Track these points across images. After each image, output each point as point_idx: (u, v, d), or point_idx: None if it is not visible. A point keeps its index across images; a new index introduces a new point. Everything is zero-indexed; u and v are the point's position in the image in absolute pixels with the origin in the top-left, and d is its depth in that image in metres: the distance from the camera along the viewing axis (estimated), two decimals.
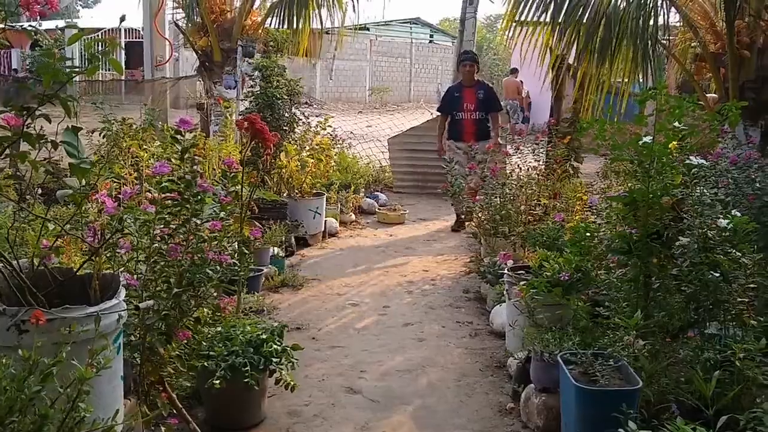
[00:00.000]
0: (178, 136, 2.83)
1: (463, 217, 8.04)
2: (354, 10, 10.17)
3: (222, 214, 3.00)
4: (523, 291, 3.91)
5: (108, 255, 2.55)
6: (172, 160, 2.93)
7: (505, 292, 4.40)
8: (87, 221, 2.67)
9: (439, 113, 8.62)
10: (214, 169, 6.20)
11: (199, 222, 2.81)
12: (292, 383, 3.33)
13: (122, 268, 2.66)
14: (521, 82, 19.48)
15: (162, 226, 2.79)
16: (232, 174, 3.45)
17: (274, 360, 3.33)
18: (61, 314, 1.94)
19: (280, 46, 9.72)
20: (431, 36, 36.25)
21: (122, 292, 2.23)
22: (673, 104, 3.51)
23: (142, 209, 2.74)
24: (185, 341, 2.94)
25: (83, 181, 2.43)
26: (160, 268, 2.78)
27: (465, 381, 4.01)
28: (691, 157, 3.61)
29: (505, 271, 4.40)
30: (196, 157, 2.94)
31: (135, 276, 2.69)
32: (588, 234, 4.02)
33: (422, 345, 4.56)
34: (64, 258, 3.00)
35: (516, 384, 3.74)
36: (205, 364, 3.18)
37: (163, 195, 2.69)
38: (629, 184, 3.93)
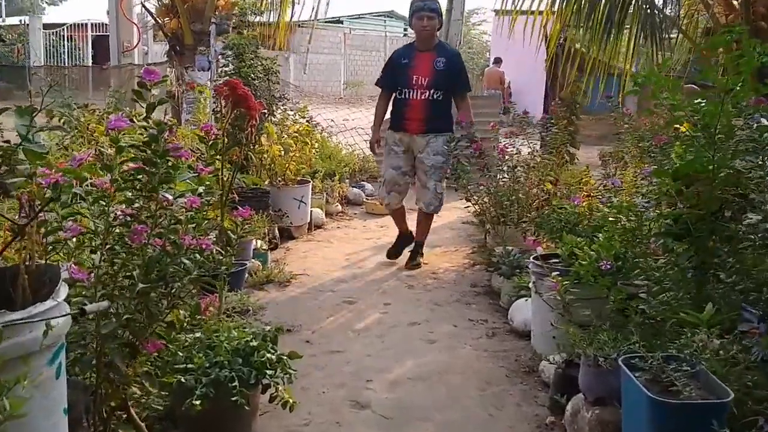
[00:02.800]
0: (143, 90, 2.17)
1: (414, 240, 5.73)
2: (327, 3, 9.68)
3: (201, 189, 2.34)
4: (560, 283, 3.31)
5: (45, 240, 1.89)
6: (135, 120, 2.26)
7: (531, 285, 3.79)
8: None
9: (379, 89, 5.83)
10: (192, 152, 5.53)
11: (170, 196, 2.14)
12: (291, 401, 2.69)
13: (66, 260, 2.00)
14: (503, 72, 18.97)
15: (119, 202, 2.12)
16: (211, 141, 2.80)
17: (268, 372, 2.69)
18: None
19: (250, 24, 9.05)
20: (405, 29, 35.62)
21: (63, 291, 1.58)
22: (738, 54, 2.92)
23: (95, 183, 2.08)
24: (156, 353, 2.27)
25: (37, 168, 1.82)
26: (120, 258, 2.11)
27: (491, 390, 3.40)
28: (763, 119, 3.02)
29: (532, 260, 3.78)
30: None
31: (86, 269, 2.02)
32: (633, 216, 3.43)
33: (434, 347, 3.94)
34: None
35: (556, 393, 3.12)
36: (182, 379, 2.53)
37: (122, 159, 2.03)
38: (679, 156, 3.32)
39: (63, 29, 24.03)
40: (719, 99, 2.90)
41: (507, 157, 5.75)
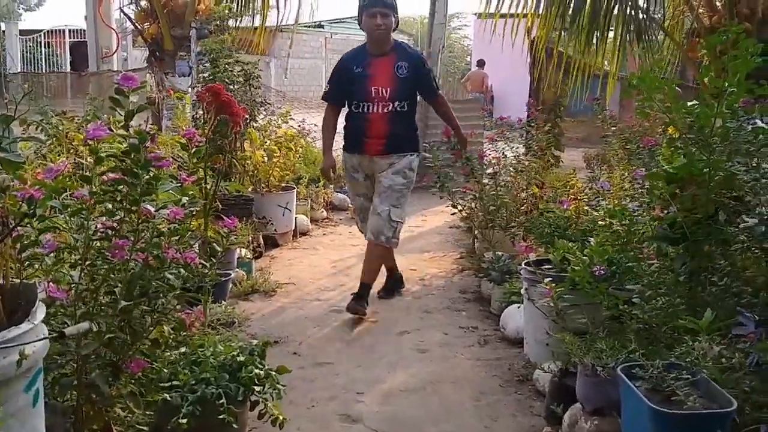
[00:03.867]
0: (120, 97, 2.07)
1: (397, 277, 5.06)
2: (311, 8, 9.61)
3: (184, 200, 2.24)
4: (554, 290, 3.24)
5: (20, 257, 1.79)
6: (114, 129, 2.16)
7: (523, 291, 3.72)
8: None
9: (326, 103, 4.78)
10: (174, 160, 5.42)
11: (152, 208, 2.04)
12: (281, 418, 2.59)
13: (43, 277, 1.89)
14: (486, 74, 18.96)
15: (99, 215, 2.02)
16: (194, 149, 2.70)
17: (256, 389, 2.60)
18: None
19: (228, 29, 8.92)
20: None
21: (40, 312, 1.48)
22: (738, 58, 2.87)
23: (74, 195, 1.98)
24: (140, 372, 2.17)
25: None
26: (100, 274, 2.01)
27: (485, 400, 3.32)
28: (758, 121, 2.97)
29: (524, 266, 3.71)
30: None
31: (66, 286, 1.92)
32: (626, 220, 3.38)
33: (425, 357, 3.86)
34: None
35: (552, 403, 3.05)
36: (167, 397, 2.43)
37: (101, 171, 1.93)
38: (674, 158, 3.26)
39: (40, 35, 23.72)
40: (712, 101, 2.86)
41: (490, 161, 5.68)
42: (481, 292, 4.87)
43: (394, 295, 4.91)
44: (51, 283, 1.85)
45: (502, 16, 7.56)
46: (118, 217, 2.04)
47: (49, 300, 1.77)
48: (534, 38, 8.19)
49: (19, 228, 1.69)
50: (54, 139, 5.70)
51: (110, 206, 2.02)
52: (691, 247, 3.04)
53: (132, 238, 2.02)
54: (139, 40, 12.28)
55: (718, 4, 6.84)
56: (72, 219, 1.98)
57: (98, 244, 2.03)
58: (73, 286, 1.96)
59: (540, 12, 7.26)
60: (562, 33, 7.47)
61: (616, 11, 7.01)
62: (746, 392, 2.54)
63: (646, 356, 2.61)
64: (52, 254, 1.98)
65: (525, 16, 7.49)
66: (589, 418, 2.76)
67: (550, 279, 3.39)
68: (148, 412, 2.27)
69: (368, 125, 4.47)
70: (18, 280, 1.69)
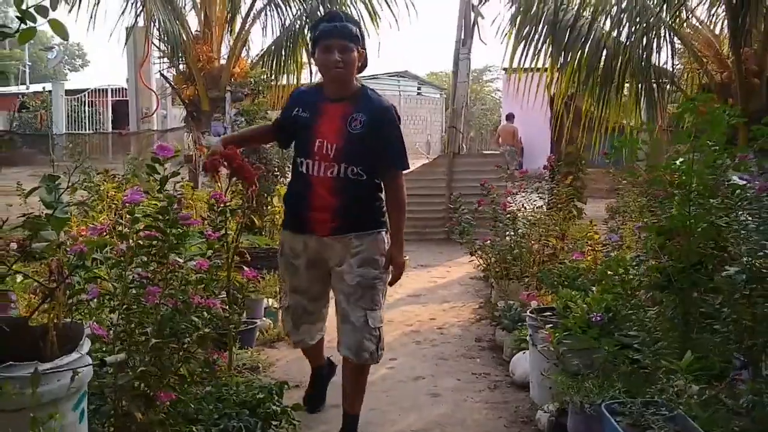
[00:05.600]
0: (156, 165, 2.43)
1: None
2: None
3: (209, 253, 2.57)
4: (552, 335, 3.49)
5: (70, 302, 2.13)
6: (150, 193, 2.52)
7: (528, 338, 3.97)
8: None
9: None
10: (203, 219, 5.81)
11: (181, 260, 2.38)
12: None
13: (88, 318, 2.22)
14: (516, 128, 19.30)
15: (135, 266, 2.36)
16: (220, 208, 3.04)
17: (273, 423, 2.88)
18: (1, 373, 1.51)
19: (263, 91, 9.41)
20: (419, 88, 36.35)
21: (86, 345, 1.80)
22: (707, 118, 3.15)
23: (114, 249, 2.33)
24: (168, 403, 2.48)
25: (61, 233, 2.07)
26: (135, 316, 2.34)
27: None
28: (734, 177, 3.23)
29: (528, 314, 3.96)
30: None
31: (105, 327, 2.25)
32: (621, 269, 3.62)
33: (438, 401, 4.09)
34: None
35: None
36: (193, 429, 2.72)
37: (138, 230, 2.27)
38: (663, 212, 3.53)
39: (84, 95, 24.78)
40: (691, 159, 3.13)
41: (509, 213, 5.95)
42: (495, 340, 5.09)
43: (325, 396, 3.91)
44: (94, 323, 2.18)
45: (526, 70, 7.94)
46: (151, 268, 2.38)
47: (92, 336, 2.09)
48: (553, 94, 8.55)
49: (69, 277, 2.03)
50: (96, 195, 6.17)
51: (144, 259, 2.36)
52: (679, 294, 3.28)
53: (162, 286, 2.35)
54: (177, 98, 12.87)
55: (728, 61, 7.11)
56: (112, 270, 2.32)
57: (134, 291, 2.36)
58: (112, 326, 2.29)
59: (557, 68, 7.64)
60: (579, 89, 7.81)
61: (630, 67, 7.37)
62: (734, 431, 2.75)
63: (628, 394, 2.85)
64: (95, 300, 2.33)
65: (546, 70, 7.85)
66: None
67: (551, 325, 3.65)
68: None
69: (310, 192, 3.21)
70: (68, 320, 2.02)
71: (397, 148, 3.29)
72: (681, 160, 3.28)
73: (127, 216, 2.39)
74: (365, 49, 3.31)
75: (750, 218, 3.24)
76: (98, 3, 8.98)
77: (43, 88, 25.43)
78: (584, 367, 3.37)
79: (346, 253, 3.24)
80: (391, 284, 3.34)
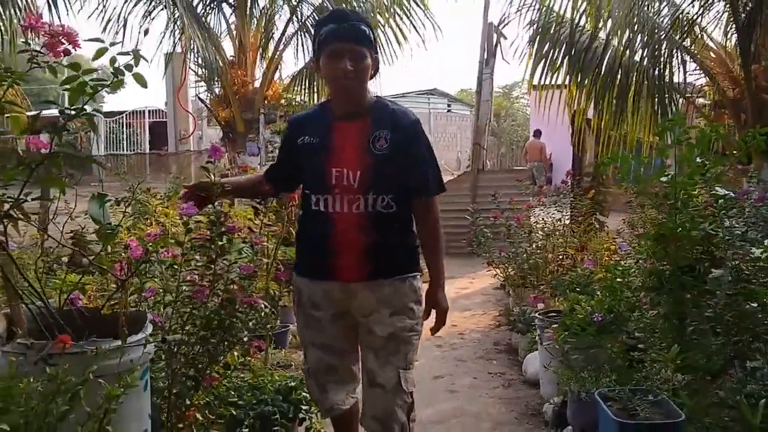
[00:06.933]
0: (209, 165, 2.81)
1: None
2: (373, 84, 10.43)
3: (255, 258, 2.99)
4: (557, 333, 3.83)
5: (134, 297, 2.54)
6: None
7: (537, 338, 4.31)
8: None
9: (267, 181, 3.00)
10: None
11: (226, 262, 2.80)
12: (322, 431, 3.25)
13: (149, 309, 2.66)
14: (544, 144, 19.58)
15: (189, 267, 2.79)
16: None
17: (304, 408, 3.27)
18: (88, 346, 1.92)
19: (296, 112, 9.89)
20: (449, 105, 36.76)
21: (149, 328, 2.21)
22: (695, 135, 3.49)
23: (168, 253, 2.76)
24: (214, 386, 2.90)
25: (108, 248, 2.45)
26: (187, 311, 2.76)
27: (500, 430, 3.90)
28: (717, 188, 3.57)
29: (537, 315, 4.32)
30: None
31: (161, 316, 2.69)
32: (621, 273, 3.96)
33: (454, 396, 4.45)
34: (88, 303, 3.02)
35: (553, 428, 3.62)
36: (233, 412, 3.13)
37: (190, 236, 2.70)
38: (657, 220, 3.87)
39: (122, 117, 25.59)
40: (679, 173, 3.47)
41: (523, 226, 6.29)
42: (511, 344, 5.44)
43: None
44: (154, 312, 2.61)
45: (546, 87, 8.28)
46: (199, 271, 2.80)
47: (153, 322, 2.50)
48: (574, 111, 8.87)
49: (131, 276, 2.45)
50: (140, 209, 6.66)
51: (197, 257, 2.78)
52: (671, 295, 3.61)
53: (210, 286, 2.77)
54: (213, 120, 13.38)
55: (739, 78, 7.40)
56: (167, 271, 2.75)
57: (185, 288, 2.78)
58: (167, 320, 2.71)
59: (575, 84, 7.98)
60: (597, 107, 8.14)
61: (645, 85, 7.69)
62: (726, 420, 3.07)
63: (619, 383, 3.19)
64: (152, 297, 2.77)
65: (567, 86, 8.19)
66: None
67: (557, 325, 3.99)
68: (219, 421, 2.97)
69: (331, 233, 2.62)
70: (133, 309, 2.45)
71: (431, 168, 2.71)
72: (667, 174, 3.63)
73: (174, 225, 2.81)
74: (377, 54, 2.70)
75: (736, 225, 3.59)
76: (143, 33, 9.54)
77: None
78: (586, 363, 3.71)
79: (377, 301, 2.65)
80: (433, 332, 2.81)
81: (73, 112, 2.05)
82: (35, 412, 1.55)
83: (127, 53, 2.05)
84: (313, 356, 2.81)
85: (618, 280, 4.04)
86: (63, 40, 2.00)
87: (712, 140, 3.48)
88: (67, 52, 2.00)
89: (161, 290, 2.83)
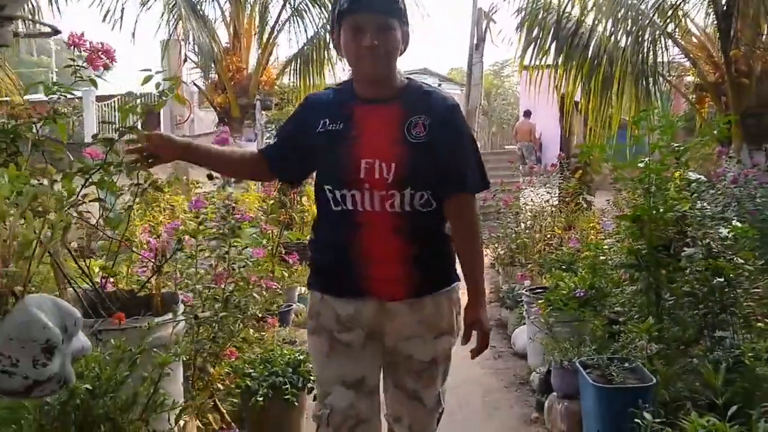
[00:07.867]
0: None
1: None
2: None
3: (264, 242, 3.30)
4: (542, 308, 4.15)
5: (162, 279, 2.85)
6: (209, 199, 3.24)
7: (524, 313, 4.63)
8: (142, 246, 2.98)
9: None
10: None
11: (238, 250, 3.10)
12: None
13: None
14: (534, 124, 19.80)
15: (206, 256, 3.09)
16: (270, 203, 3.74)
17: (312, 378, 3.58)
18: (132, 324, 2.22)
19: (291, 98, 10.11)
20: (440, 85, 36.76)
21: (181, 307, 2.51)
22: (663, 124, 3.79)
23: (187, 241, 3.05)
24: (233, 359, 3.22)
25: (117, 232, 2.71)
26: (206, 295, 3.07)
27: (491, 397, 4.23)
28: (689, 173, 3.87)
29: (524, 292, 4.63)
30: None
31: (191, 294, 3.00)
32: (602, 252, 4.27)
33: None
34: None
35: (539, 395, 3.95)
36: (248, 383, 3.43)
37: (204, 228, 2.99)
38: (635, 202, 4.18)
39: (114, 101, 25.56)
40: (653, 158, 3.77)
41: (511, 207, 6.59)
42: (501, 319, 5.77)
43: None
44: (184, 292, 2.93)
45: (536, 68, 8.52)
46: (216, 256, 3.12)
47: (183, 302, 2.80)
48: (563, 93, 9.14)
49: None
50: (147, 198, 6.91)
51: (213, 243, 3.10)
52: (646, 271, 3.93)
53: (226, 271, 3.09)
54: (205, 102, 13.52)
55: (720, 62, 7.68)
56: (189, 260, 3.07)
57: (202, 272, 3.09)
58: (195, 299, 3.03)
59: (563, 69, 8.23)
60: (584, 90, 8.41)
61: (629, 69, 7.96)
62: (696, 385, 3.39)
63: (597, 352, 3.51)
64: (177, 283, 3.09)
65: (555, 66, 8.43)
66: (561, 401, 3.66)
67: (542, 301, 4.31)
68: (237, 390, 3.29)
69: (360, 238, 2.16)
70: (165, 290, 2.77)
71: (475, 161, 2.25)
72: (641, 160, 3.93)
73: (188, 216, 3.11)
74: (408, 26, 2.22)
75: (707, 207, 3.90)
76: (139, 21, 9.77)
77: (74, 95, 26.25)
78: (569, 335, 4.03)
79: (418, 323, 2.25)
80: (474, 356, 2.41)
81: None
82: (106, 376, 1.86)
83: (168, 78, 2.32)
84: (336, 397, 2.21)
85: (600, 258, 4.36)
86: (102, 56, 2.28)
87: (694, 125, 3.78)
88: (106, 66, 2.28)
89: (186, 274, 3.13)
